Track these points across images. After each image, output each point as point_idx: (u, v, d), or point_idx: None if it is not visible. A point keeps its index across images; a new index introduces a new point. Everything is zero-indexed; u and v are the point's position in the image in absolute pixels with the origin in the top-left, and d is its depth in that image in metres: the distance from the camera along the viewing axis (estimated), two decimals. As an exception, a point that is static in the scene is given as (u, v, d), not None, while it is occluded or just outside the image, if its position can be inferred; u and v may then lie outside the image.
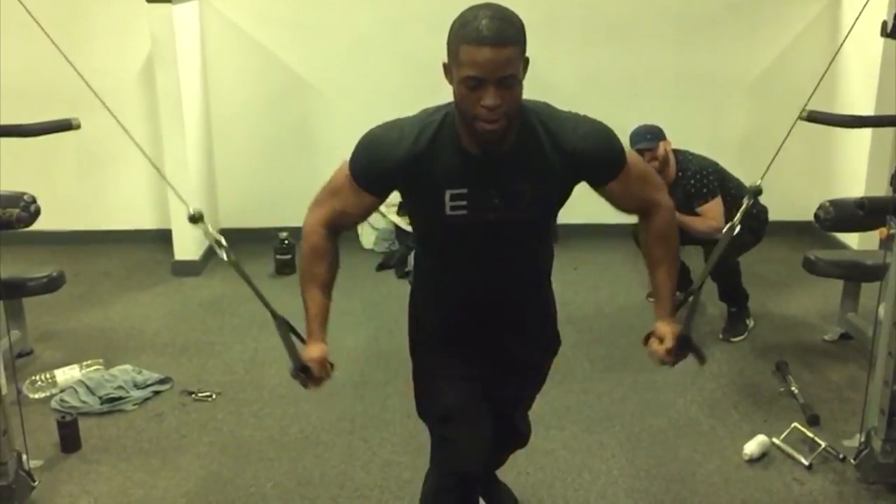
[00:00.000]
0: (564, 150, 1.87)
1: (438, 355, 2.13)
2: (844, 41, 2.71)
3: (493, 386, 2.16)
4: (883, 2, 3.92)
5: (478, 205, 1.88)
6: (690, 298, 2.06)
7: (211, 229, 1.97)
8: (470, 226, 1.90)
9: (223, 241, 1.97)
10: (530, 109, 1.88)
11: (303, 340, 1.96)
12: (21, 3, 2.22)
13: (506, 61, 1.69)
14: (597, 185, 1.97)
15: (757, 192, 2.07)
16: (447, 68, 1.78)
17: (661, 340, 1.98)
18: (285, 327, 1.94)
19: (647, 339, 2.03)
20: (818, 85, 2.30)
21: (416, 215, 2.07)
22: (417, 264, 2.24)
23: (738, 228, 2.01)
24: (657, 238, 2.06)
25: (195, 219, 1.97)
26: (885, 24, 2.71)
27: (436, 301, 2.15)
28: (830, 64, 2.65)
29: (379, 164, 1.88)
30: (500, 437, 2.28)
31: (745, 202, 2.05)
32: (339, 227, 2.01)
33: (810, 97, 2.37)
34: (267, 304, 1.97)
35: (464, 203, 1.87)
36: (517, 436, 2.48)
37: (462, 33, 1.71)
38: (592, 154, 1.90)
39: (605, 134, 1.93)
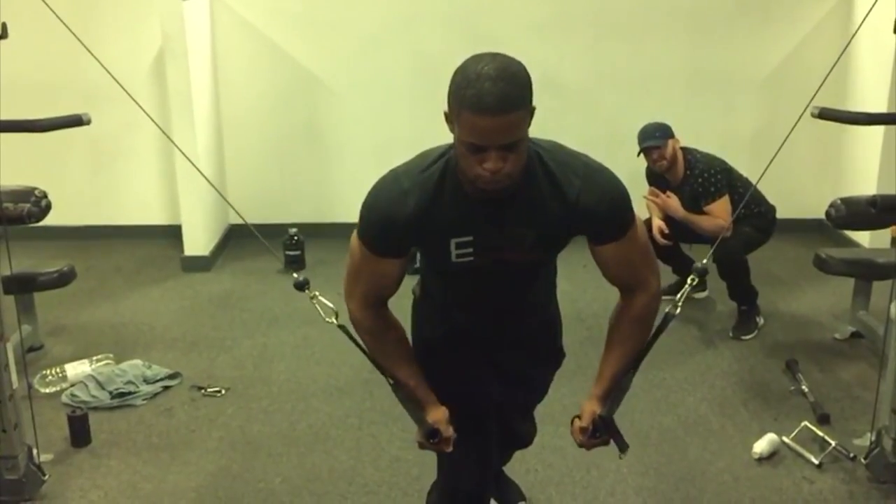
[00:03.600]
0: (568, 200, 1.75)
1: (440, 372, 2.07)
2: (854, 36, 2.68)
3: (494, 393, 2.14)
4: (896, -2, 3.90)
5: (483, 249, 1.81)
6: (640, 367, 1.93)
7: (319, 296, 1.94)
8: (475, 268, 1.85)
9: (330, 305, 1.93)
10: (538, 152, 1.77)
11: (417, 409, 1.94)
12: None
13: (508, 128, 1.58)
14: (592, 243, 1.85)
15: (702, 272, 1.94)
16: (448, 117, 1.67)
17: (580, 419, 1.89)
18: (403, 393, 1.93)
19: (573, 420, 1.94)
20: (824, 80, 2.28)
21: (422, 257, 2.02)
22: (422, 282, 2.18)
23: (677, 311, 1.88)
24: (633, 320, 1.91)
25: (301, 286, 1.95)
26: (898, 20, 2.69)
27: (439, 321, 2.11)
28: (838, 60, 2.63)
29: (389, 227, 1.78)
30: (501, 439, 2.27)
31: (688, 282, 1.93)
32: (384, 300, 1.93)
33: (816, 93, 2.35)
34: (383, 371, 1.95)
35: (470, 250, 1.81)
36: (519, 439, 2.47)
37: (463, 95, 1.57)
38: (596, 212, 1.77)
39: (615, 194, 1.79)
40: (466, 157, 1.64)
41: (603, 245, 1.84)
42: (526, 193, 1.75)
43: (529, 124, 1.66)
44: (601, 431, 1.87)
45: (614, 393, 1.90)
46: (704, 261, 1.97)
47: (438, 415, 1.90)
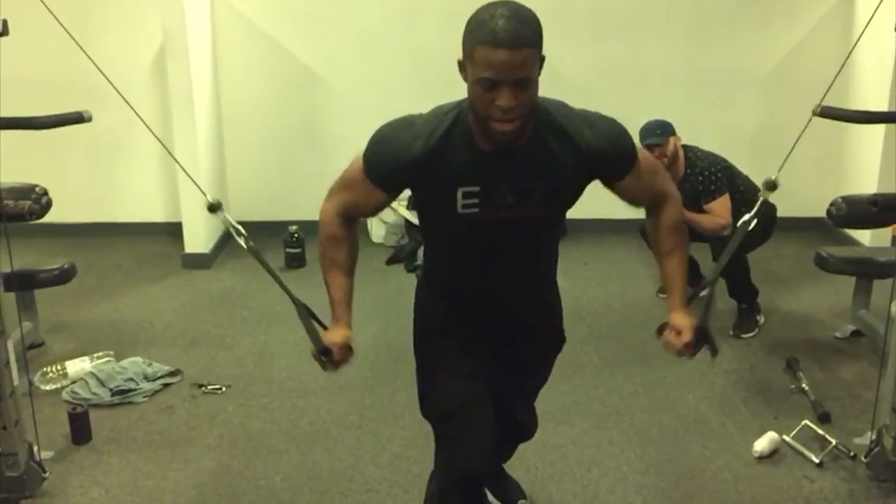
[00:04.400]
0: (578, 148, 1.85)
1: (442, 352, 2.12)
2: (859, 39, 2.67)
3: (496, 380, 2.16)
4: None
5: (491, 202, 1.87)
6: (705, 292, 2.07)
7: (229, 218, 2.04)
8: (481, 223, 1.90)
9: (242, 230, 2.04)
10: (546, 108, 1.86)
11: (324, 327, 2.00)
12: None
13: (521, 63, 1.67)
14: (610, 182, 1.97)
15: (772, 185, 2.07)
16: (462, 65, 1.76)
17: (678, 333, 1.97)
18: (306, 313, 1.99)
19: (660, 330, 2.03)
20: (832, 83, 2.29)
21: (427, 211, 2.07)
22: (426, 259, 2.23)
23: (753, 223, 2.03)
24: (668, 229, 2.06)
25: (214, 208, 2.04)
26: (899, 19, 2.69)
27: (442, 296, 2.14)
28: (844, 63, 2.64)
29: (391, 163, 1.87)
30: (503, 430, 2.28)
31: (761, 196, 2.06)
32: (354, 216, 2.05)
33: (826, 94, 2.35)
34: (287, 290, 2.02)
35: (476, 201, 1.86)
36: (521, 429, 2.47)
37: (478, 33, 1.68)
38: (605, 152, 1.89)
39: (617, 131, 1.93)
40: (480, 97, 1.71)
41: (621, 180, 1.95)
42: (535, 147, 1.84)
43: (540, 72, 1.74)
44: (701, 340, 1.98)
45: (706, 303, 2.02)
46: (775, 175, 2.06)
47: (338, 337, 1.97)
